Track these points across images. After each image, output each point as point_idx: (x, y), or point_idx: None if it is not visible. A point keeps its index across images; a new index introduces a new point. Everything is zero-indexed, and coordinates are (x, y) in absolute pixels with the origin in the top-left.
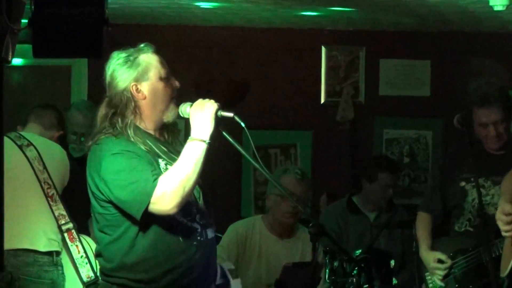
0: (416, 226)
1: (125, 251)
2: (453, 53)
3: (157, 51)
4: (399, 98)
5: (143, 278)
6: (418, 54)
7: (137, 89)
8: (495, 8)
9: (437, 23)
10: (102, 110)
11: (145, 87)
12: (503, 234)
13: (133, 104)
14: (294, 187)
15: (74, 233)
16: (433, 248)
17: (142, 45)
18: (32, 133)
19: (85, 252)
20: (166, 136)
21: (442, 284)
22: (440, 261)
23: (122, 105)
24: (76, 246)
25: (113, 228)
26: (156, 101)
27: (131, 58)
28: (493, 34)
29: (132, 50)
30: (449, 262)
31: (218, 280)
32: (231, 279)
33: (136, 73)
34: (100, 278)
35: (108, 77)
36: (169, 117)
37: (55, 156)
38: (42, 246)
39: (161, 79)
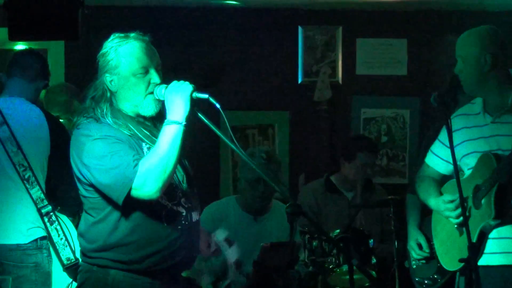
0: (406, 206)
1: (107, 232)
2: (430, 32)
3: (146, 40)
4: (376, 77)
5: (124, 259)
6: (395, 33)
7: (111, 80)
8: None
9: (413, 1)
10: (91, 89)
11: (115, 80)
12: (455, 221)
13: (109, 93)
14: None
15: (53, 215)
16: (422, 227)
17: (132, 34)
18: (11, 99)
19: (64, 234)
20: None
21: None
22: (420, 245)
23: (99, 94)
24: (56, 229)
25: (96, 210)
26: (126, 95)
27: (113, 48)
28: (469, 12)
29: (122, 37)
30: (426, 252)
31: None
32: (226, 248)
33: (108, 65)
34: (80, 260)
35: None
36: (146, 111)
37: (33, 131)
38: (24, 238)
39: (134, 75)
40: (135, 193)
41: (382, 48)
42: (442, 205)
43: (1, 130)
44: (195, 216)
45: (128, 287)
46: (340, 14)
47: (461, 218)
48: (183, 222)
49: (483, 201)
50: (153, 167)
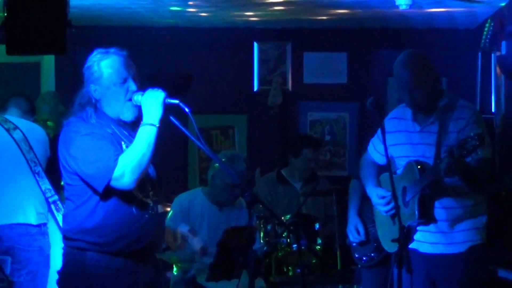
0: (348, 192)
1: (85, 216)
2: (365, 46)
3: (124, 55)
4: (321, 85)
5: (99, 241)
6: (336, 48)
7: (94, 90)
8: (400, 8)
9: (351, 20)
10: (78, 96)
11: (98, 90)
12: (384, 214)
13: (94, 100)
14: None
15: (59, 204)
16: (361, 212)
17: (112, 50)
18: (15, 117)
19: None
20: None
21: (362, 238)
22: (357, 230)
23: (85, 101)
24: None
25: (77, 196)
26: (108, 102)
27: (96, 62)
28: (400, 30)
29: (103, 52)
30: (362, 237)
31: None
32: (191, 238)
33: (92, 76)
34: None
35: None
36: (125, 117)
37: (38, 136)
38: (34, 220)
39: (114, 84)
40: (114, 183)
41: (325, 60)
42: (375, 198)
43: (15, 133)
44: (160, 209)
45: (104, 266)
46: (289, 32)
47: (390, 212)
48: (150, 211)
49: (410, 202)
50: (131, 161)
